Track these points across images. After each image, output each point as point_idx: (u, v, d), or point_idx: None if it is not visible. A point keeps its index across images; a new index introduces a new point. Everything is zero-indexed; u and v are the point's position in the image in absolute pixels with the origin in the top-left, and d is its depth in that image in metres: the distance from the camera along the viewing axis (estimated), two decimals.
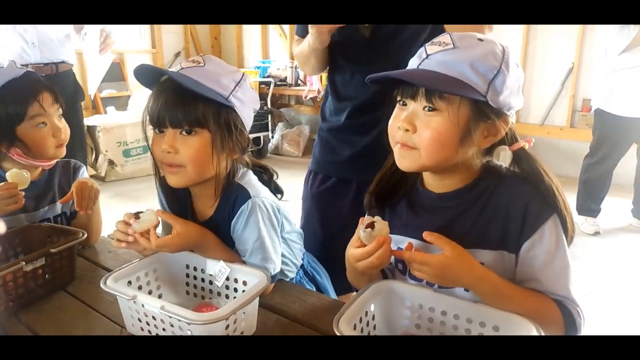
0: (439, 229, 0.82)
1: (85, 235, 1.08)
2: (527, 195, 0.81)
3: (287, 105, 5.86)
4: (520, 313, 0.73)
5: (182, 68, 0.93)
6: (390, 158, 0.91)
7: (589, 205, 3.07)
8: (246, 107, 0.98)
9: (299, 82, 5.22)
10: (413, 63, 0.81)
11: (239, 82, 0.96)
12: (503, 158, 0.85)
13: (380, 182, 0.94)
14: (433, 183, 0.88)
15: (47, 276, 1.02)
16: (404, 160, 0.82)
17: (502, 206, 0.82)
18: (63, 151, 1.24)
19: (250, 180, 1.01)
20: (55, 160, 1.26)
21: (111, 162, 4.23)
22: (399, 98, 0.82)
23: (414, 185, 0.91)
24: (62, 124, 1.23)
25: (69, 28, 2.48)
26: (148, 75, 0.95)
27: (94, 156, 4.29)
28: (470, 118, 0.78)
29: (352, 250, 0.82)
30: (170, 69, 0.96)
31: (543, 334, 0.69)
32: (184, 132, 0.91)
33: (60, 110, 1.23)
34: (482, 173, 0.85)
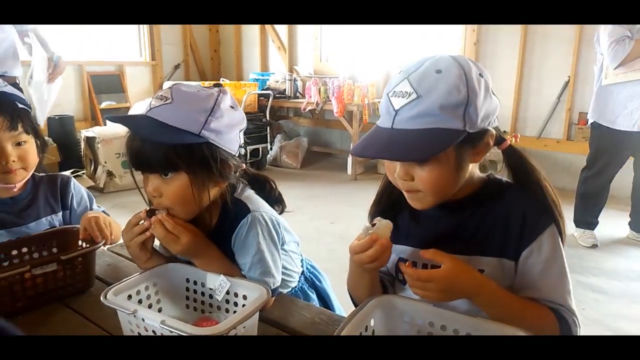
0: (441, 237, 0.84)
1: (102, 244, 1.10)
2: (526, 204, 0.84)
3: (286, 117, 5.89)
4: (518, 321, 0.74)
5: (151, 108, 0.92)
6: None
7: (587, 218, 3.08)
8: (225, 135, 0.94)
9: (298, 94, 5.26)
10: (385, 120, 0.80)
11: (211, 111, 0.91)
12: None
13: (382, 198, 0.96)
14: None
15: (59, 283, 1.04)
16: (415, 203, 0.85)
17: (502, 215, 0.84)
18: (13, 177, 1.18)
19: (250, 195, 1.02)
20: (22, 182, 1.22)
21: (110, 174, 4.23)
22: None
23: None
24: (18, 152, 1.17)
25: (9, 37, 2.26)
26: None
27: (92, 167, 4.30)
28: (458, 152, 0.79)
29: (354, 242, 0.83)
30: (147, 107, 0.93)
31: None
32: (163, 176, 0.93)
33: (24, 137, 1.17)
34: (483, 184, 0.88)
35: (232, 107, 0.96)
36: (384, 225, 0.82)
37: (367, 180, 4.60)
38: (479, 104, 0.76)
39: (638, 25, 2.65)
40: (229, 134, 0.95)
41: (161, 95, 0.92)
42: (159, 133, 0.88)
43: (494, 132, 0.83)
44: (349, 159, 4.77)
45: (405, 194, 0.85)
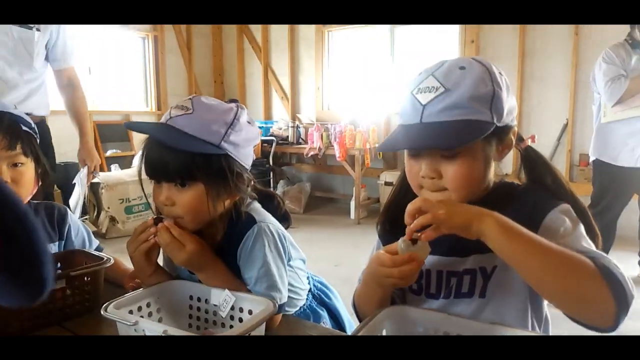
0: (455, 237, 0.81)
1: (112, 262, 1.07)
2: (535, 198, 0.82)
3: (289, 163, 5.94)
4: (555, 260, 0.67)
5: (171, 117, 0.93)
6: (399, 183, 0.92)
7: None
8: (242, 148, 0.96)
9: (301, 140, 5.33)
10: (411, 117, 0.79)
11: (231, 123, 0.93)
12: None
13: (390, 208, 0.94)
14: None
15: (67, 300, 1.01)
16: None
17: (513, 212, 0.81)
18: None
19: (257, 208, 1.01)
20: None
21: (112, 219, 4.21)
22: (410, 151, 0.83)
23: None
24: (13, 173, 1.10)
25: (40, 77, 2.19)
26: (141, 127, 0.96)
27: (95, 213, 4.29)
28: (485, 147, 0.80)
29: (381, 254, 0.78)
30: (166, 116, 0.95)
31: None
32: (178, 185, 0.92)
33: (22, 159, 1.12)
34: (495, 187, 0.87)
35: (249, 122, 0.98)
36: (426, 246, 0.77)
37: (371, 225, 4.53)
38: (503, 97, 0.78)
39: (632, 64, 2.73)
40: (246, 148, 0.97)
41: (181, 105, 0.93)
42: (182, 141, 0.89)
43: (516, 129, 0.84)
44: (352, 203, 4.76)
45: (430, 195, 0.82)
